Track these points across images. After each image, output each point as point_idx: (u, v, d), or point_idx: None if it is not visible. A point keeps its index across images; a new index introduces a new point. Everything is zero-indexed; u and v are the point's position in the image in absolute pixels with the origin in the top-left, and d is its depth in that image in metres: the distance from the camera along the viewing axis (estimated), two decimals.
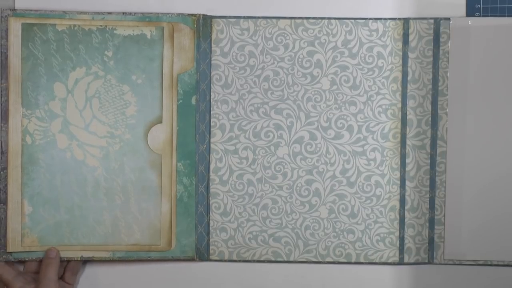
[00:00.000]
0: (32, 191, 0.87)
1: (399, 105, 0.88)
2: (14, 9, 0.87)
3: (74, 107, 0.87)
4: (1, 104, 0.87)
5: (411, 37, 0.88)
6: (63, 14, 0.87)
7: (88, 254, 0.88)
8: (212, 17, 0.88)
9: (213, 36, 0.88)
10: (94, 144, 0.87)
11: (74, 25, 0.86)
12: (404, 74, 0.88)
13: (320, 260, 0.89)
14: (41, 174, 0.87)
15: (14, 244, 0.87)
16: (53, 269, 0.85)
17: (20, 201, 0.87)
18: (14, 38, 0.86)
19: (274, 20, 0.88)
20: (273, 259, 0.89)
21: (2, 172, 0.87)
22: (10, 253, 0.87)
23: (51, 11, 0.87)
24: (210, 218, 0.89)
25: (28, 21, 0.86)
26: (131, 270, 0.89)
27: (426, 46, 0.88)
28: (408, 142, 0.88)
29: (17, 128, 0.86)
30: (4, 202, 0.87)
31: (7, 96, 0.86)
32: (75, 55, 0.87)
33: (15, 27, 0.86)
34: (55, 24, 0.86)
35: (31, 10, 0.87)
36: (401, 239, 0.89)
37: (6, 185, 0.87)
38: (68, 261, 0.88)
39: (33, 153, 0.87)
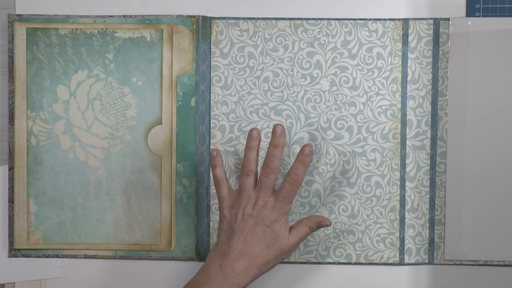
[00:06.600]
0: (37, 191, 0.89)
1: (399, 105, 0.88)
2: (20, 15, 0.88)
3: (77, 109, 0.89)
4: (9, 106, 0.89)
5: (410, 38, 0.87)
6: (66, 18, 0.88)
7: (91, 252, 0.90)
8: (211, 18, 0.89)
9: (213, 38, 0.89)
10: (96, 145, 0.89)
11: (76, 29, 0.88)
12: (404, 74, 0.88)
13: (320, 260, 0.89)
14: (45, 174, 0.89)
15: (20, 241, 0.89)
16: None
17: (26, 200, 0.89)
18: (19, 43, 0.88)
19: (273, 21, 0.89)
20: None
21: (9, 172, 0.89)
22: (18, 249, 0.90)
23: (54, 15, 0.89)
24: (210, 219, 0.90)
25: (32, 25, 0.88)
26: (132, 269, 0.90)
27: (426, 47, 0.87)
28: (408, 142, 0.88)
29: (22, 130, 0.89)
30: (12, 200, 0.89)
31: (13, 99, 0.89)
32: (77, 58, 0.88)
33: (20, 31, 0.88)
34: (57, 28, 0.88)
35: (35, 15, 0.89)
36: (401, 239, 0.88)
37: (13, 184, 0.89)
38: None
39: (37, 153, 0.89)
